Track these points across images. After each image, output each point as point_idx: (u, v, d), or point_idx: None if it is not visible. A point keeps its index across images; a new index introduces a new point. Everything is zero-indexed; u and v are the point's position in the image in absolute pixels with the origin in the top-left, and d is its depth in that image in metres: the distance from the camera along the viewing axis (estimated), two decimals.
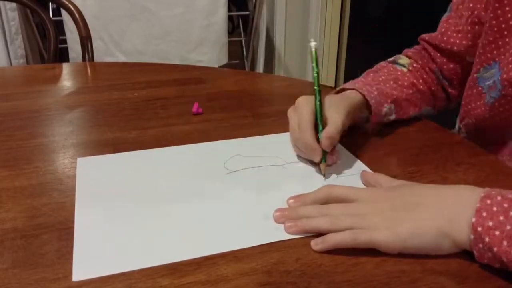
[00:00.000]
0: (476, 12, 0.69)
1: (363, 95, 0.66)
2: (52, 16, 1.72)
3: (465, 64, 0.74)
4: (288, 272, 0.44)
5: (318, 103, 0.60)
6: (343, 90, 0.69)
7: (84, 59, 1.21)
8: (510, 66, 0.64)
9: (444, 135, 0.71)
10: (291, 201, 0.53)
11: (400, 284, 0.42)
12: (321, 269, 0.44)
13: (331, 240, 0.46)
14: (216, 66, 2.04)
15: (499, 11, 0.65)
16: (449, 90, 0.78)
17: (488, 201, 0.43)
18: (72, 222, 0.50)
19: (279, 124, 0.72)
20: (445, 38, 0.74)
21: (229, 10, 2.08)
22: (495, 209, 0.42)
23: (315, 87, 0.61)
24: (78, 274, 0.43)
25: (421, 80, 0.75)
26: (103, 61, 1.89)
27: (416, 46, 0.81)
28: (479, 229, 0.42)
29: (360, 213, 0.47)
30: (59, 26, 1.74)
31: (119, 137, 0.70)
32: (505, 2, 0.63)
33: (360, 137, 0.70)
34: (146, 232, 0.49)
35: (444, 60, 0.75)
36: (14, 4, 1.86)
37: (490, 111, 0.68)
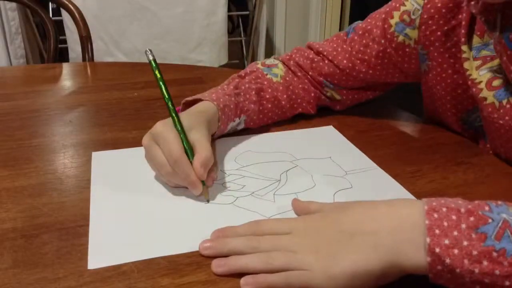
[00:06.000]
0: (388, 50, 0.69)
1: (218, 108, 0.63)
2: (52, 16, 1.72)
3: (363, 82, 0.74)
4: None
5: (180, 129, 0.56)
6: (198, 99, 0.66)
7: (84, 59, 1.22)
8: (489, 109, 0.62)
9: (444, 135, 0.71)
10: (215, 235, 0.48)
11: (400, 284, 0.42)
12: None
13: (263, 282, 0.42)
14: (216, 66, 2.04)
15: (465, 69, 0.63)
16: (344, 91, 0.76)
17: (435, 215, 0.38)
18: (72, 222, 0.50)
19: (279, 123, 0.73)
20: (350, 65, 0.72)
21: (229, 10, 2.09)
22: (445, 223, 0.38)
23: (170, 108, 0.57)
24: (93, 262, 0.44)
25: (285, 96, 0.72)
26: (103, 61, 1.89)
27: (304, 52, 0.76)
28: (437, 250, 0.37)
29: (293, 249, 0.43)
30: (59, 26, 1.74)
31: (119, 137, 0.70)
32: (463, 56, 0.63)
33: (360, 137, 0.70)
34: (158, 223, 0.50)
35: (343, 78, 0.73)
36: (14, 4, 1.86)
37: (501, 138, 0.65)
